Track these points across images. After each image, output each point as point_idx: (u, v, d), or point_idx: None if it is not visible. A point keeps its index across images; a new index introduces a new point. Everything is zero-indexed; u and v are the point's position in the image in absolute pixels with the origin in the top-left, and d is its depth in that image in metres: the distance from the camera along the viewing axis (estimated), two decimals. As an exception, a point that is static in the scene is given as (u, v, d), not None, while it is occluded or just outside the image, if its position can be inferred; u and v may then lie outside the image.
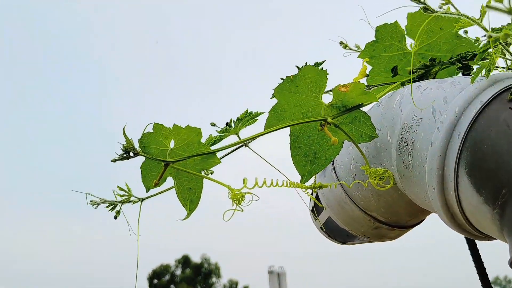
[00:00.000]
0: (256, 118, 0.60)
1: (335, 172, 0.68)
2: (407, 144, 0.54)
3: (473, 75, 0.52)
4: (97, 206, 0.61)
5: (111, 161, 0.47)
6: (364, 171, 0.61)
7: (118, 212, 0.61)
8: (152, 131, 0.49)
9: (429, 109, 0.52)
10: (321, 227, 0.76)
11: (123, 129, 0.47)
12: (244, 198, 0.46)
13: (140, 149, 0.48)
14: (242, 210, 0.47)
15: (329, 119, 0.52)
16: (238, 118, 0.58)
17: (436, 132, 0.49)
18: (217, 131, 0.58)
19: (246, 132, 0.64)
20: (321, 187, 0.53)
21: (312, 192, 0.72)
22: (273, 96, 0.66)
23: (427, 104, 0.53)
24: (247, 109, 0.59)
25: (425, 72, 0.66)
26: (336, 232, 0.77)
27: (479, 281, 0.83)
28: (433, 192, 0.50)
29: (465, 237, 0.86)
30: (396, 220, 0.65)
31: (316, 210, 0.77)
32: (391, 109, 0.59)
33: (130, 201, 0.60)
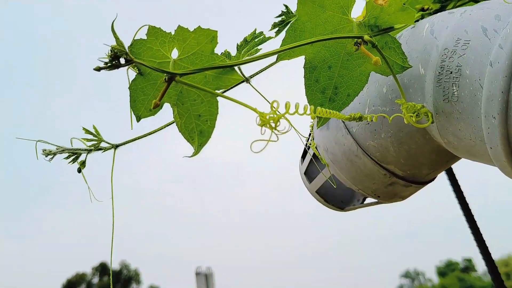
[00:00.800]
0: (258, 48, 0.49)
1: (343, 121, 0.58)
2: (451, 72, 0.45)
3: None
4: (52, 158, 0.46)
5: (94, 69, 0.33)
6: (388, 110, 0.52)
7: (82, 164, 0.46)
8: (146, 37, 0.36)
9: (477, 29, 0.44)
10: (316, 191, 0.66)
11: (112, 24, 0.33)
12: (279, 123, 0.35)
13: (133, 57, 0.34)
14: (277, 139, 0.35)
15: (365, 37, 0.42)
16: (245, 39, 0.46)
17: (496, 50, 0.41)
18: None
19: (247, 68, 0.52)
20: (360, 118, 0.43)
21: (311, 138, 0.61)
22: (278, 24, 0.55)
23: (473, 25, 0.45)
24: (256, 29, 0.47)
25: (441, 8, 0.59)
26: (334, 196, 0.67)
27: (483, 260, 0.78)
28: (492, 124, 0.42)
29: (465, 216, 0.81)
30: (415, 173, 0.56)
31: (312, 171, 0.67)
32: (421, 38, 0.50)
33: (100, 149, 0.46)
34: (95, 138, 0.45)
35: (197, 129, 0.38)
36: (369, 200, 0.67)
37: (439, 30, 0.49)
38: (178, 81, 0.35)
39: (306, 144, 0.66)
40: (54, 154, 0.46)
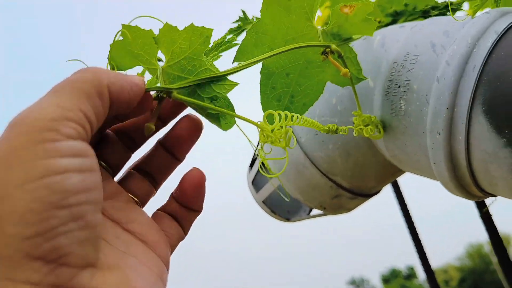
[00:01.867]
0: (220, 55, 0.46)
1: (293, 132, 0.57)
2: (399, 86, 0.45)
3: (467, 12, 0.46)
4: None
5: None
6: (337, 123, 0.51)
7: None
8: (122, 38, 0.32)
9: (427, 44, 0.44)
10: (263, 201, 0.65)
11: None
12: (289, 137, 0.32)
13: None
14: (286, 156, 0.33)
15: (333, 46, 0.41)
16: (215, 44, 0.43)
17: (444, 67, 0.41)
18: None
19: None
20: (336, 131, 0.42)
21: (258, 147, 0.60)
22: (234, 30, 0.53)
23: (423, 40, 0.45)
24: (227, 34, 0.44)
25: (392, 22, 0.59)
26: (281, 207, 0.66)
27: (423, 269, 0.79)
28: (436, 140, 0.42)
29: (407, 225, 0.82)
30: (361, 186, 0.56)
31: (259, 181, 0.66)
32: (371, 51, 0.50)
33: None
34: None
35: None
36: (315, 211, 0.67)
37: (389, 43, 0.48)
38: (174, 97, 0.31)
39: (255, 153, 0.64)
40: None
